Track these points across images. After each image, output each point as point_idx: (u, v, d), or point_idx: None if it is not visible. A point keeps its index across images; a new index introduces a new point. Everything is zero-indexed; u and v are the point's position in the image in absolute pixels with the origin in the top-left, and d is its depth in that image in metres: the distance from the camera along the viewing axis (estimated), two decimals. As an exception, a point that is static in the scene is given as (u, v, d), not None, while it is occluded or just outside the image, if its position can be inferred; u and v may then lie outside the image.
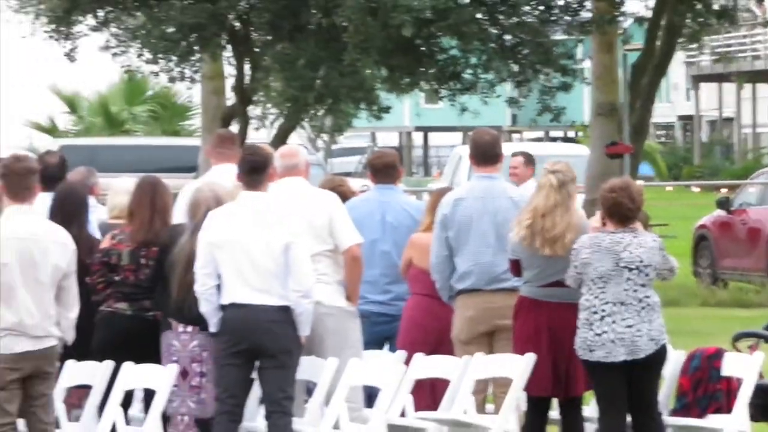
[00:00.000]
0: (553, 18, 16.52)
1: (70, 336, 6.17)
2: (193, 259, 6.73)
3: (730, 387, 6.66)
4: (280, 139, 16.67)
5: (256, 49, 17.23)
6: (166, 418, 7.00)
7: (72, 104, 31.24)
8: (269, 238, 6.88)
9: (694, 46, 20.69)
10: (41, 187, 6.60)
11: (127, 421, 6.99)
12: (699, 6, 17.04)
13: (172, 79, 18.43)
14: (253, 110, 18.55)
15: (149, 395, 7.04)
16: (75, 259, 6.18)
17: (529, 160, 12.12)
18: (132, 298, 7.25)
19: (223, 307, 6.80)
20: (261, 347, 6.86)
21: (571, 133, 43.55)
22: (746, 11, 18.61)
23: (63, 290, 6.10)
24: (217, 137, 9.92)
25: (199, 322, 6.89)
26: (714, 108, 45.39)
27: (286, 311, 6.84)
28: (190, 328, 6.95)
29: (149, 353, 7.06)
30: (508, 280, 7.40)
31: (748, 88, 41.61)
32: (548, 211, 7.01)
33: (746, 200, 18.74)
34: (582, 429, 7.21)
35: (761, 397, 6.76)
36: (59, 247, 6.08)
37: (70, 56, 17.41)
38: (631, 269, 6.61)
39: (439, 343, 7.73)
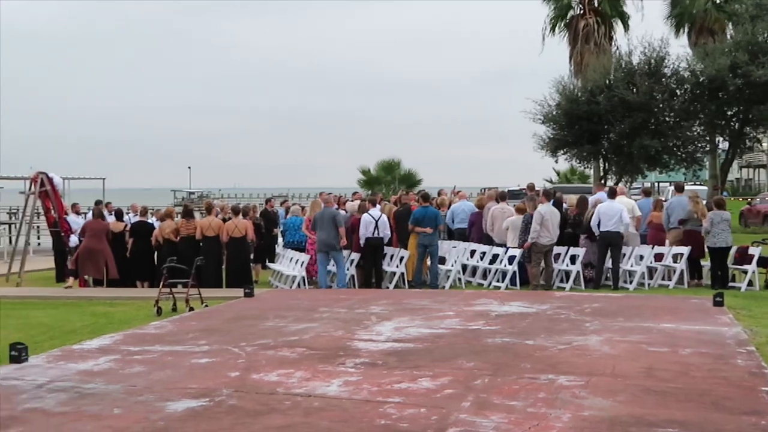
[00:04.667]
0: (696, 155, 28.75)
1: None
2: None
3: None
4: (615, 183, 27.54)
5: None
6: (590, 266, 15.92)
7: (561, 174, 47.81)
8: (618, 209, 15.60)
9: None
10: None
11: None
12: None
13: (581, 166, 31.77)
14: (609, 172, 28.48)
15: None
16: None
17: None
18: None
19: (600, 231, 15.67)
20: (612, 243, 15.68)
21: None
22: None
23: None
24: (598, 186, 19.39)
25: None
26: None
27: (619, 232, 15.67)
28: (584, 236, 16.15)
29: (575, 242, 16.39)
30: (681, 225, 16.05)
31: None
32: (698, 207, 15.84)
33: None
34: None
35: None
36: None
37: (556, 161, 30.07)
38: (726, 220, 15.44)
39: (659, 243, 16.47)
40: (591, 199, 17.21)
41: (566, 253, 16.36)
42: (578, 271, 16.12)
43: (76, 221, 19.26)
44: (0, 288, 17.12)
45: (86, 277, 17.85)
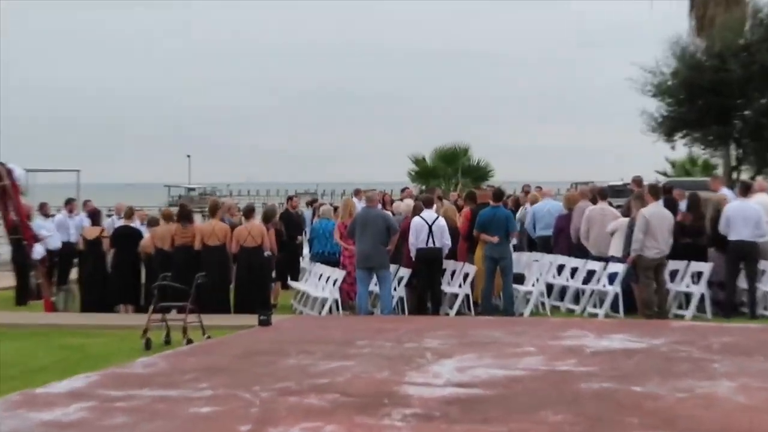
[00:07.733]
0: None
1: None
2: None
3: None
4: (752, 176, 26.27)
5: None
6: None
7: (678, 165, 44.83)
8: (755, 211, 15.30)
9: None
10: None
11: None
12: None
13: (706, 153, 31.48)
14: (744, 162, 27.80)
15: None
16: None
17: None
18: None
19: (732, 241, 15.48)
20: (747, 256, 15.40)
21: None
22: None
23: None
24: (715, 180, 18.94)
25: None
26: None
27: (755, 242, 15.30)
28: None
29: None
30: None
31: None
32: None
33: None
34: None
35: None
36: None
37: (672, 148, 30.34)
38: None
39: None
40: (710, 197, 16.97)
41: (686, 270, 16.11)
42: (703, 294, 15.84)
43: (43, 226, 19.48)
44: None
45: (53, 299, 18.10)
